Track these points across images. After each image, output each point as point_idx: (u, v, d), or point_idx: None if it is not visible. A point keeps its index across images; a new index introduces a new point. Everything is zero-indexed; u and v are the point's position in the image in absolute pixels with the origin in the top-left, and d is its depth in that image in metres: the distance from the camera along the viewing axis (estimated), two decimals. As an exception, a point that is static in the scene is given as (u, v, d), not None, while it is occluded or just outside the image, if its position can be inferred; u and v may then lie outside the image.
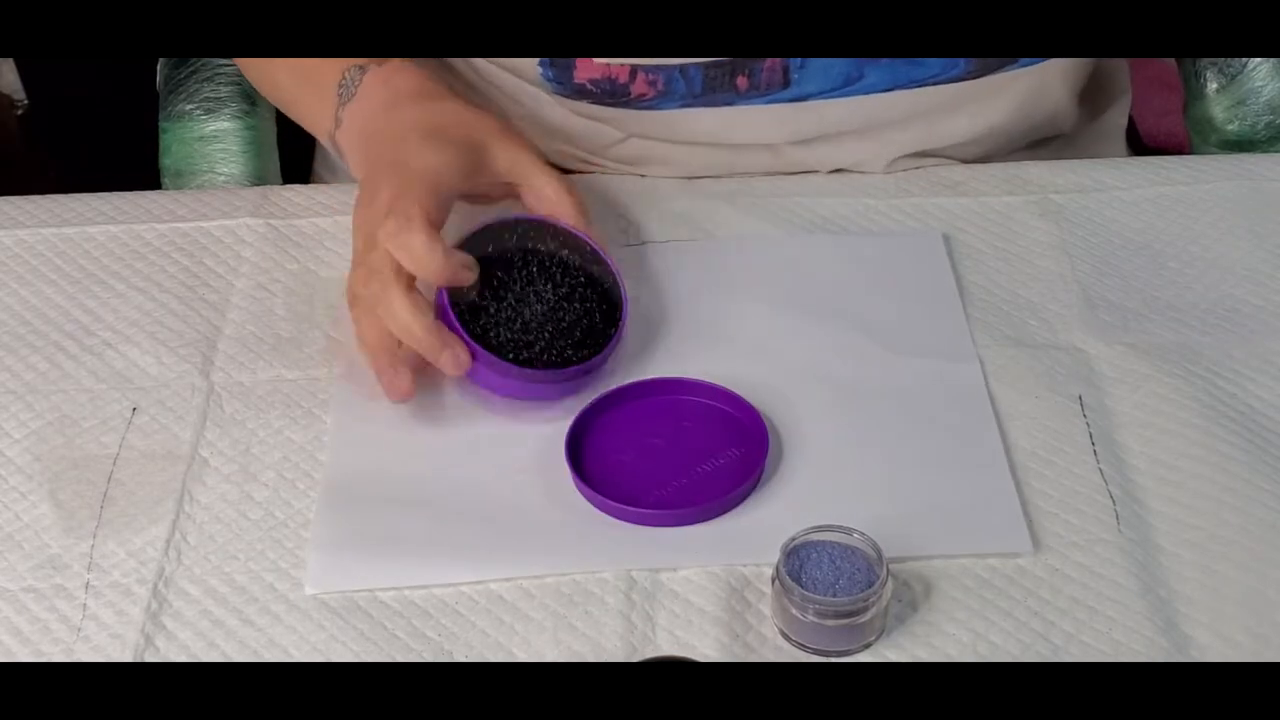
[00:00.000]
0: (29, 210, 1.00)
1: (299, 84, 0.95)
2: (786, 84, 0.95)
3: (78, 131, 1.94)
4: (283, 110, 1.02)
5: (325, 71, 0.91)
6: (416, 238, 0.79)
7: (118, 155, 1.29)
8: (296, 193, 1.01)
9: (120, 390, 0.87)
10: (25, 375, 0.88)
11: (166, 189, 1.08)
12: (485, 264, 0.83)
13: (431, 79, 0.90)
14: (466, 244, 0.84)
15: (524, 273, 0.84)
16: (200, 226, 0.98)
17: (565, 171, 1.02)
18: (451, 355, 0.80)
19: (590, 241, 0.86)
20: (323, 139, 0.94)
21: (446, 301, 0.81)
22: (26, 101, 2.20)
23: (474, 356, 0.81)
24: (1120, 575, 0.76)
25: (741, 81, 0.95)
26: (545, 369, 0.82)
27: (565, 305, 0.84)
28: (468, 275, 0.81)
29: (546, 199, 0.87)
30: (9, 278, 0.95)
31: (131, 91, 1.26)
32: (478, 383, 0.83)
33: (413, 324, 0.79)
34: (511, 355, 0.81)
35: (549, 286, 0.84)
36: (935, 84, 0.96)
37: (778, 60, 0.94)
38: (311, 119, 0.95)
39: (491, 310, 0.82)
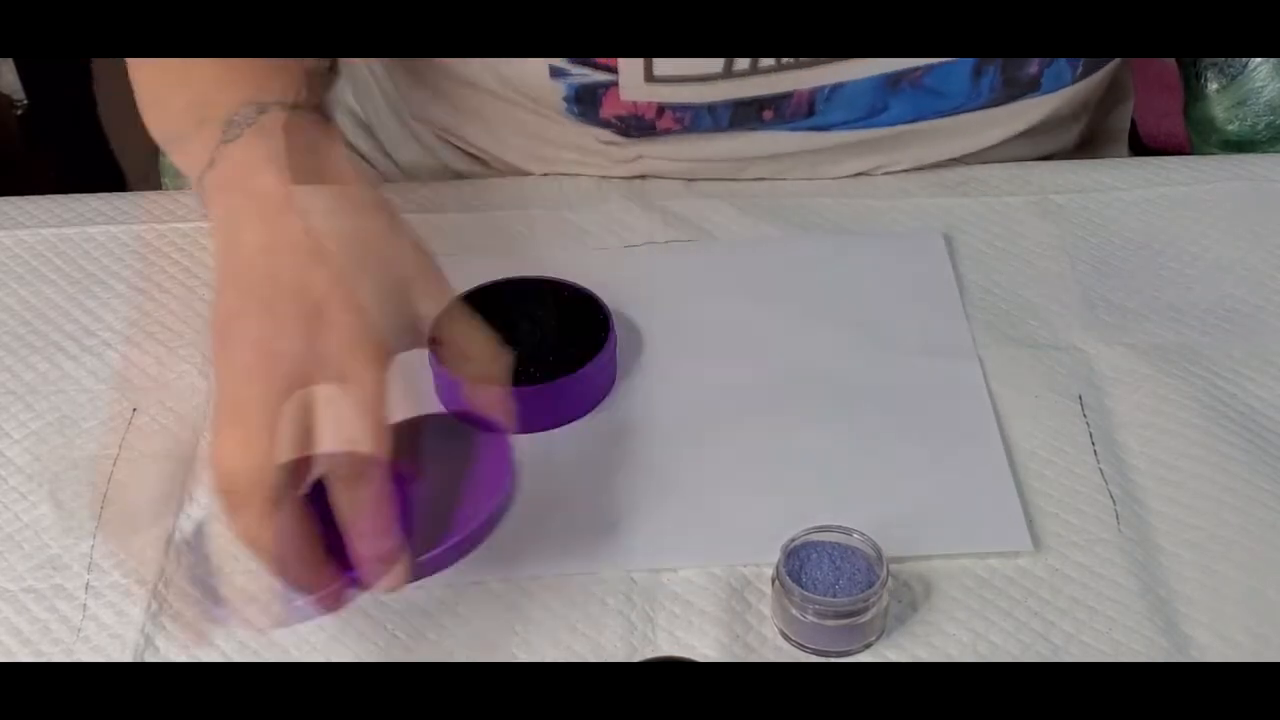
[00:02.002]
0: (29, 210, 1.00)
1: (189, 112, 0.77)
2: (811, 114, 0.95)
3: (78, 131, 1.94)
4: (161, 143, 0.85)
5: (220, 104, 0.74)
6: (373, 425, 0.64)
7: (118, 156, 1.29)
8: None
9: (120, 391, 0.87)
10: (25, 376, 0.88)
11: (166, 189, 1.08)
12: None
13: (337, 146, 0.74)
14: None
15: (503, 322, 0.83)
16: (200, 227, 0.98)
17: (564, 175, 1.02)
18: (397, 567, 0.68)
19: (565, 280, 0.87)
20: (191, 179, 0.76)
21: (433, 359, 0.83)
22: (26, 101, 2.20)
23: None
24: (1120, 575, 0.76)
25: (768, 115, 0.94)
26: (539, 384, 0.82)
27: (549, 334, 0.85)
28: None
29: (470, 360, 0.72)
30: (9, 278, 0.95)
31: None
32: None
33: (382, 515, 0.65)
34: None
35: (530, 326, 0.85)
36: (956, 114, 0.96)
37: (804, 95, 0.93)
38: (187, 155, 0.76)
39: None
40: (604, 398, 0.85)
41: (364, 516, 0.65)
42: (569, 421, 0.83)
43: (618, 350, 0.86)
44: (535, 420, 0.83)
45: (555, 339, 0.84)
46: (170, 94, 0.81)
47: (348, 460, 0.64)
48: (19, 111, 2.25)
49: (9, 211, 1.00)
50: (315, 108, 0.76)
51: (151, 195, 1.02)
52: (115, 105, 1.56)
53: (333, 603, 0.67)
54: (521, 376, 0.82)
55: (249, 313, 0.66)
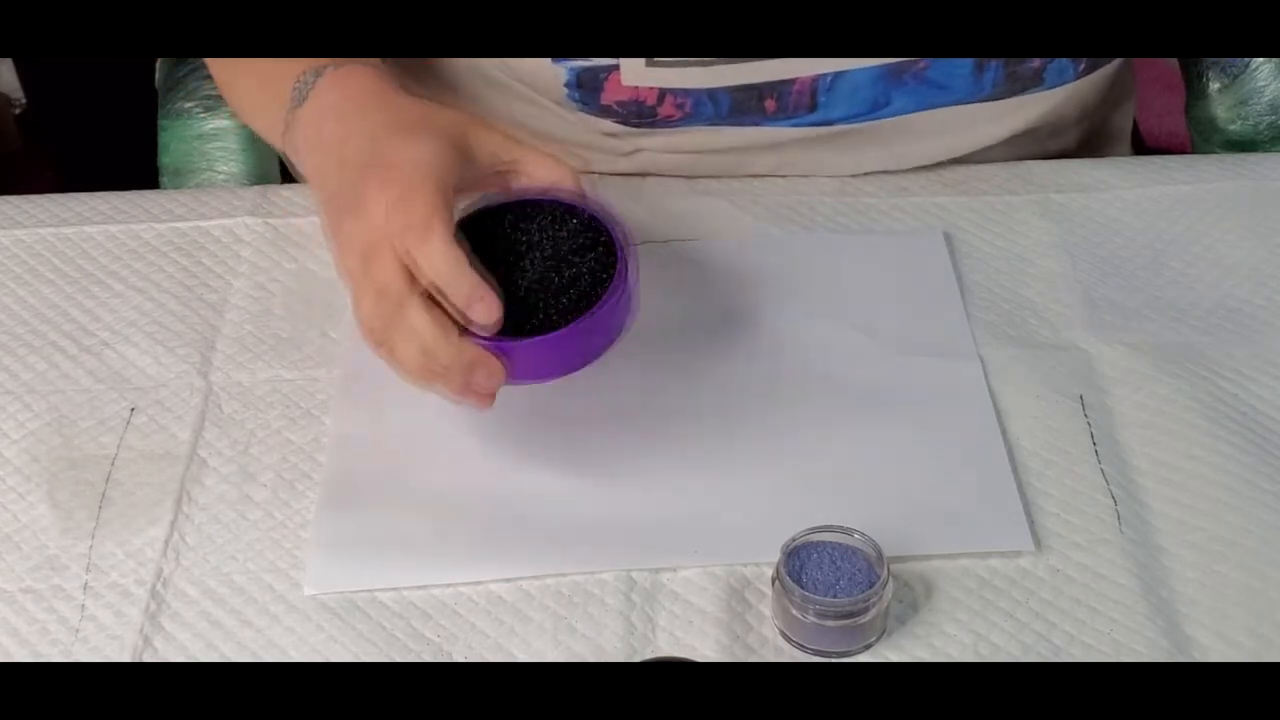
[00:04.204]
0: (27, 210, 1.00)
1: (259, 89, 0.89)
2: (813, 107, 0.95)
3: (77, 131, 1.94)
4: (248, 122, 0.98)
5: (284, 76, 0.84)
6: (437, 245, 0.71)
7: (117, 155, 1.29)
8: (295, 191, 1.01)
9: (118, 390, 0.87)
10: (23, 375, 0.88)
11: (165, 188, 1.08)
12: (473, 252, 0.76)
13: (388, 80, 0.83)
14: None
15: (509, 254, 0.78)
16: (198, 226, 0.98)
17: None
18: (484, 372, 0.74)
19: (584, 205, 0.79)
20: (278, 147, 0.87)
21: None
22: (25, 101, 2.20)
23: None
24: (1122, 576, 0.75)
25: (770, 105, 0.94)
26: (538, 334, 0.75)
27: (554, 273, 0.77)
28: (485, 302, 0.73)
29: (537, 175, 0.79)
30: (7, 278, 0.95)
31: (131, 91, 1.26)
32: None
33: (440, 341, 0.72)
34: (510, 332, 0.75)
35: (537, 255, 0.77)
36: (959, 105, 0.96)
37: (806, 83, 0.93)
38: (268, 126, 0.88)
39: None
40: (622, 331, 0.78)
41: (425, 349, 0.74)
42: (590, 361, 0.77)
43: (632, 291, 0.78)
44: (553, 367, 0.77)
45: (563, 271, 0.77)
46: (239, 78, 0.94)
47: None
48: (18, 111, 2.25)
49: (7, 211, 1.00)
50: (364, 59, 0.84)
51: (150, 195, 1.02)
52: (115, 105, 1.56)
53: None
54: (534, 320, 0.76)
55: (334, 211, 0.77)
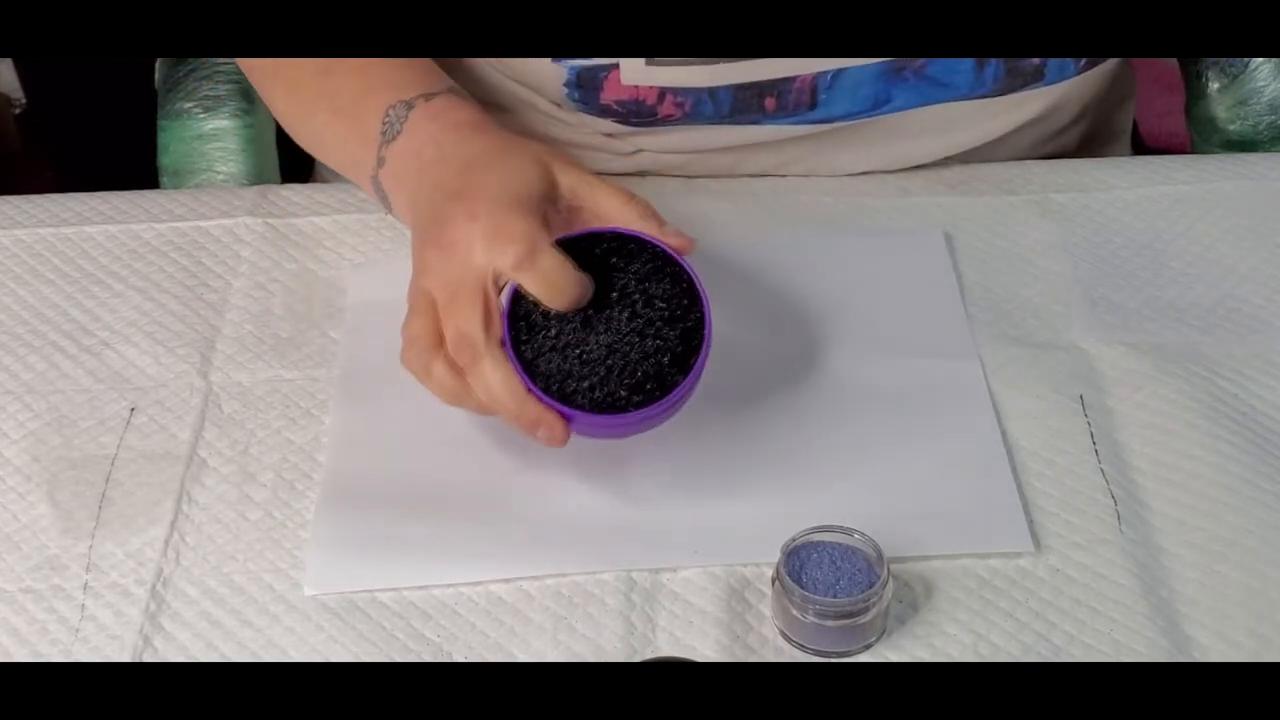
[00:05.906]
0: (27, 210, 1.00)
1: (338, 124, 0.88)
2: (814, 105, 0.95)
3: (77, 131, 1.94)
4: (321, 157, 0.95)
5: (367, 110, 0.85)
6: (550, 259, 0.73)
7: (117, 155, 1.29)
8: (295, 192, 1.01)
9: (118, 390, 0.87)
10: (23, 375, 0.88)
11: (165, 188, 1.07)
12: None
13: (481, 111, 0.85)
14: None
15: (600, 296, 0.76)
16: (198, 226, 0.98)
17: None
18: (546, 430, 0.75)
19: (687, 269, 0.77)
20: (364, 183, 0.87)
21: (507, 313, 0.75)
22: (25, 101, 2.20)
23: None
24: (1122, 576, 0.75)
25: (770, 103, 0.94)
26: (586, 410, 0.75)
27: (635, 340, 0.75)
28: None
29: (607, 214, 0.80)
30: (7, 278, 0.95)
31: (131, 91, 1.26)
32: None
33: (506, 398, 0.74)
34: (555, 387, 0.74)
35: (624, 315, 0.76)
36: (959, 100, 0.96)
37: (806, 81, 0.93)
38: (352, 162, 0.88)
39: (552, 332, 0.75)
40: (682, 407, 0.78)
41: (493, 400, 0.75)
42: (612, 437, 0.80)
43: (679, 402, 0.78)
44: (610, 434, 0.79)
45: (631, 350, 0.76)
46: (312, 111, 0.91)
47: (459, 343, 0.75)
48: (18, 111, 2.25)
49: (7, 211, 1.00)
50: (449, 88, 0.86)
51: (149, 195, 1.02)
52: (115, 105, 1.56)
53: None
54: (571, 383, 0.75)
55: (421, 238, 0.79)
